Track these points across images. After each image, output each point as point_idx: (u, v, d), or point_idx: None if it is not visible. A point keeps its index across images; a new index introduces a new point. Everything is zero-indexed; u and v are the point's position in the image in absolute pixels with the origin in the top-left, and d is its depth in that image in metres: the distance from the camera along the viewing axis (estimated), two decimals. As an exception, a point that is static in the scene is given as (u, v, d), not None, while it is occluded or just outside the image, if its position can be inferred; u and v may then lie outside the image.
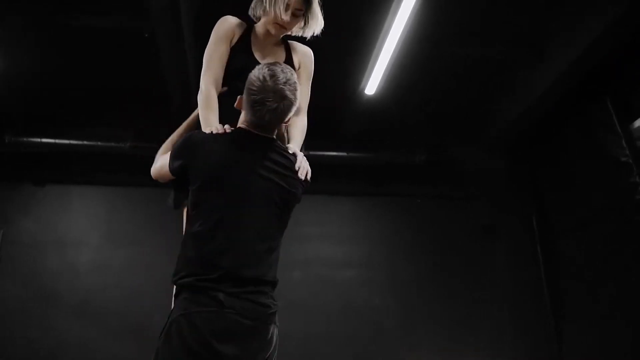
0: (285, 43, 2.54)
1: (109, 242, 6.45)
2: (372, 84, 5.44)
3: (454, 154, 6.82)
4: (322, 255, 6.70)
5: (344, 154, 6.45)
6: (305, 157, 2.25)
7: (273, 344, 2.04)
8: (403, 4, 4.27)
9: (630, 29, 4.75)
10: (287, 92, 2.09)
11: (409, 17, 4.41)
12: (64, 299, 6.10)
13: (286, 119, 2.18)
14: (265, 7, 2.36)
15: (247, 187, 2.10)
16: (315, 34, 2.46)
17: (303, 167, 2.20)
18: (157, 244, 6.33)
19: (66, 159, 6.44)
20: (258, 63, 2.30)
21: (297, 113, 2.26)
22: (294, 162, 2.21)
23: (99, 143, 6.22)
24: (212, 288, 1.96)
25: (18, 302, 6.06)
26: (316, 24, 2.44)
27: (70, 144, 6.15)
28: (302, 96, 2.30)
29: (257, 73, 2.11)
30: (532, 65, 5.62)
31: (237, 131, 2.21)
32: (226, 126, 2.20)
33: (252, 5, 2.47)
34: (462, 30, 5.23)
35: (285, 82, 2.10)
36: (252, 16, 2.50)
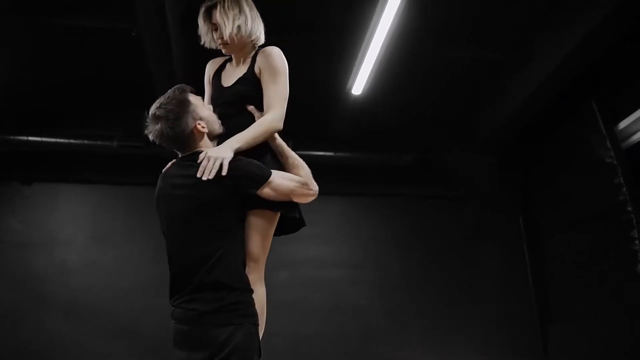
0: (255, 54, 2.54)
1: (97, 241, 6.42)
2: (359, 84, 5.46)
3: (442, 154, 6.86)
4: (311, 255, 6.71)
5: (332, 153, 6.45)
6: (215, 152, 2.20)
7: (219, 345, 2.02)
8: (388, 5, 4.29)
9: (615, 33, 4.82)
10: (158, 112, 2.25)
11: (395, 18, 4.44)
12: (51, 298, 6.06)
13: (177, 136, 2.26)
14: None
15: (169, 212, 2.27)
16: (245, 31, 2.46)
17: (202, 167, 2.15)
18: (146, 243, 6.31)
19: (53, 158, 6.40)
20: (223, 88, 2.57)
21: (266, 110, 2.38)
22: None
23: (86, 141, 6.18)
24: (172, 305, 2.20)
25: (5, 302, 6.01)
26: (227, 24, 2.45)
27: (57, 142, 6.11)
28: (270, 94, 2.38)
29: None
30: (519, 68, 5.66)
31: (173, 161, 2.40)
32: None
33: None
34: (449, 32, 5.26)
35: (158, 106, 2.27)
36: None
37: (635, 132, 5.35)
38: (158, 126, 2.26)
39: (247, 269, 2.24)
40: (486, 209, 7.18)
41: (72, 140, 6.13)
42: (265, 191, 2.20)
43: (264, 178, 2.20)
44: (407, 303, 6.72)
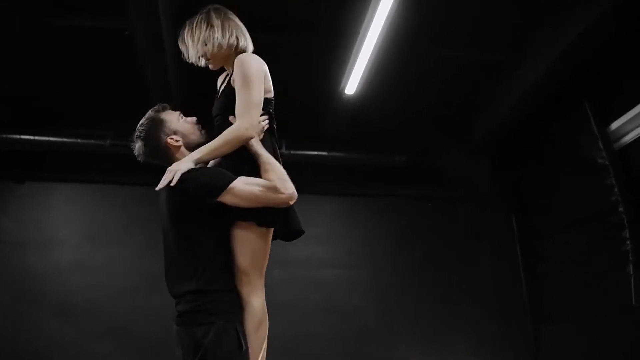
0: None
1: (91, 241, 6.40)
2: (352, 84, 5.46)
3: (436, 155, 6.88)
4: (306, 255, 6.69)
5: (325, 153, 6.45)
6: (175, 165, 2.31)
7: (197, 344, 2.13)
8: (382, 4, 4.30)
9: (607, 33, 4.83)
10: (136, 133, 2.49)
11: (388, 17, 4.44)
12: (44, 298, 6.04)
13: (153, 152, 2.46)
14: None
15: (161, 225, 2.39)
16: (213, 44, 2.49)
17: (162, 180, 2.28)
18: (139, 242, 6.31)
19: (47, 157, 6.38)
20: (216, 100, 2.65)
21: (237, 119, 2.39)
22: None
23: (79, 140, 6.16)
24: None
25: (-2, 300, 6.01)
26: (192, 43, 2.52)
27: (50, 141, 6.09)
28: (238, 103, 2.37)
29: None
30: (513, 69, 5.67)
31: None
32: None
33: None
34: (442, 32, 5.27)
35: (137, 127, 2.50)
36: None
37: (627, 133, 5.37)
38: (137, 145, 2.49)
39: (239, 281, 2.28)
40: (480, 210, 7.20)
41: (65, 139, 6.11)
42: (227, 198, 2.22)
43: (221, 186, 2.22)
44: (402, 303, 6.73)
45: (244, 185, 2.24)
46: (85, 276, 6.20)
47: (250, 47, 2.55)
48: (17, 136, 6.01)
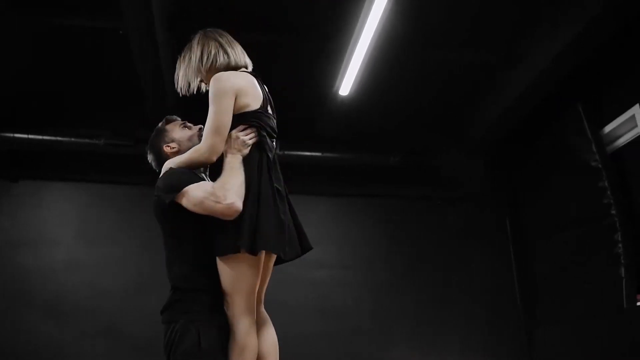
0: None
1: (83, 240, 6.38)
2: (346, 85, 5.47)
3: (430, 155, 6.89)
4: (299, 255, 6.69)
5: (319, 154, 6.46)
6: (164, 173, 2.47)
7: (165, 341, 2.26)
8: (376, 5, 4.31)
9: (601, 36, 4.85)
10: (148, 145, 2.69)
11: (382, 18, 4.45)
12: (36, 297, 6.02)
13: (157, 159, 2.63)
14: None
15: None
16: (190, 71, 2.58)
17: None
18: (132, 242, 6.30)
19: (40, 155, 6.38)
20: None
21: None
22: None
23: (74, 140, 6.16)
24: None
25: (-12, 300, 5.98)
26: (178, 74, 2.63)
27: (45, 140, 6.08)
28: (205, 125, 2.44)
29: None
30: (507, 70, 5.69)
31: None
32: None
33: None
34: (437, 33, 5.28)
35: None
36: None
37: (620, 136, 5.40)
38: (148, 156, 2.68)
39: (225, 303, 2.28)
40: (474, 210, 7.22)
41: (60, 138, 6.11)
42: (183, 201, 2.27)
43: (177, 187, 2.28)
44: (395, 303, 6.74)
45: (195, 190, 2.26)
46: (78, 275, 6.18)
47: (234, 62, 2.53)
48: (12, 135, 6.01)
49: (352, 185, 7.06)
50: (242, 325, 2.24)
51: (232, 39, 2.63)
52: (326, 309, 6.56)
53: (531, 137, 6.66)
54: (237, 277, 2.25)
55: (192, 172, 2.41)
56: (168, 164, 2.47)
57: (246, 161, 2.35)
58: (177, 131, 2.62)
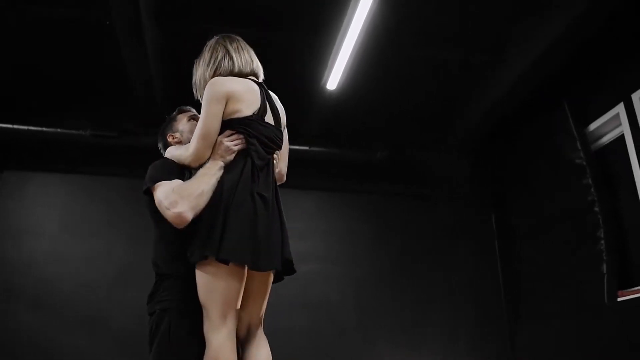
0: None
1: (67, 232, 6.33)
2: (334, 79, 5.46)
3: (416, 152, 6.92)
4: (285, 249, 6.68)
5: (307, 148, 6.46)
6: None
7: (148, 330, 2.34)
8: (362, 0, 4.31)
9: (587, 34, 4.88)
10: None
11: (369, 13, 4.45)
12: (19, 288, 5.97)
13: (164, 147, 2.70)
14: None
15: None
16: (198, 79, 2.61)
17: None
18: (117, 235, 6.27)
19: (25, 146, 6.31)
20: None
21: None
22: None
23: (59, 130, 6.10)
24: None
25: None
26: (195, 84, 2.64)
27: (29, 131, 6.01)
28: None
29: None
30: (493, 68, 5.71)
31: None
32: None
33: None
34: (422, 31, 5.29)
35: None
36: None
37: (605, 134, 5.45)
38: (158, 143, 2.76)
39: (203, 315, 2.24)
40: (459, 208, 7.25)
41: (45, 129, 6.04)
42: (155, 194, 2.32)
43: (154, 179, 2.36)
44: (380, 299, 6.76)
45: (161, 188, 2.30)
46: (62, 267, 6.14)
47: (237, 68, 2.52)
48: (-4, 125, 5.94)
49: (338, 180, 7.06)
50: (215, 339, 2.17)
51: (243, 45, 2.61)
52: (310, 304, 6.57)
53: (517, 135, 6.70)
54: (209, 286, 2.21)
55: (176, 167, 2.44)
56: (167, 153, 2.58)
57: (229, 168, 2.34)
58: (184, 123, 2.69)
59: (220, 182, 2.29)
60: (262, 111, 2.44)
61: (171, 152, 2.55)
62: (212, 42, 2.61)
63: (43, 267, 6.11)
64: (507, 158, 7.05)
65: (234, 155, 2.36)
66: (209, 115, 2.35)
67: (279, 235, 2.37)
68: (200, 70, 2.57)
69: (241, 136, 2.38)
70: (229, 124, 2.38)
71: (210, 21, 4.93)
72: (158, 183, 2.32)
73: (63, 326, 5.86)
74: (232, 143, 2.36)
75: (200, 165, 2.37)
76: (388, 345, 6.53)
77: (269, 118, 2.49)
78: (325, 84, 5.54)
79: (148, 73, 5.20)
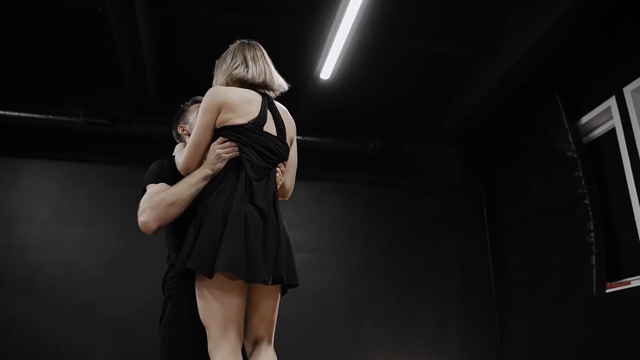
0: None
1: (58, 220, 6.30)
2: (327, 69, 5.45)
3: (409, 143, 6.93)
4: (276, 238, 6.69)
5: (299, 137, 6.44)
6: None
7: (161, 315, 2.39)
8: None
9: (580, 26, 4.89)
10: None
11: (363, 3, 4.45)
12: (9, 275, 5.95)
13: (176, 137, 2.77)
14: None
15: None
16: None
17: None
18: (108, 222, 6.24)
19: (16, 132, 6.26)
20: None
21: None
22: None
23: (51, 117, 6.05)
24: None
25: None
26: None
27: (20, 117, 5.96)
28: None
29: None
30: (486, 60, 5.72)
31: None
32: None
33: None
34: (416, 22, 5.29)
35: None
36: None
37: (597, 127, 5.48)
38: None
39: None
40: (450, 199, 7.28)
41: (36, 115, 5.99)
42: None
43: (147, 180, 2.45)
44: (370, 288, 6.80)
45: (147, 192, 2.40)
46: (53, 255, 6.11)
47: (245, 77, 2.50)
48: (-14, 111, 5.89)
49: (331, 170, 7.07)
50: (217, 357, 2.12)
51: (260, 54, 2.58)
52: (302, 293, 6.54)
53: (509, 127, 6.72)
54: (207, 304, 2.18)
55: (169, 171, 2.47)
56: (175, 149, 2.62)
57: (221, 178, 2.32)
58: (195, 115, 2.64)
59: (211, 192, 2.28)
60: (259, 120, 2.41)
61: (176, 155, 2.56)
62: (233, 46, 2.59)
63: (34, 253, 6.08)
64: (498, 150, 7.08)
65: (224, 163, 2.33)
66: (200, 126, 2.36)
67: (273, 250, 2.30)
68: (217, 75, 2.57)
69: (234, 144, 2.35)
70: (221, 132, 2.37)
71: (204, 9, 4.91)
72: (147, 185, 2.42)
73: (54, 313, 5.85)
74: (224, 150, 2.33)
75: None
76: (379, 334, 6.57)
77: (269, 128, 2.45)
78: (318, 73, 5.53)
79: (141, 60, 5.17)
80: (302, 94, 6.06)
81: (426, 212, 7.25)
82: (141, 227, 2.26)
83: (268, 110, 2.48)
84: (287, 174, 2.64)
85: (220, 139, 2.35)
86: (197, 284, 2.21)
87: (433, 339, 6.66)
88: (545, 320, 5.72)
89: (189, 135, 2.53)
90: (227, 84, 2.50)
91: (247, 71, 2.48)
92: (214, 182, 2.32)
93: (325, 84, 5.70)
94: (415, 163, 7.07)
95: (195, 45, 5.34)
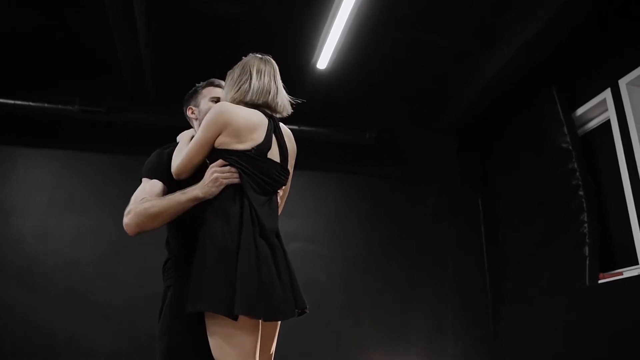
0: None
1: (54, 209, 6.30)
2: (324, 59, 5.44)
3: (405, 135, 6.93)
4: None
5: (296, 127, 6.43)
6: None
7: (163, 300, 2.36)
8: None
9: (576, 19, 4.90)
10: None
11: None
12: (5, 265, 5.96)
13: (186, 118, 2.71)
14: None
15: None
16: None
17: None
18: (104, 211, 6.24)
19: (11, 120, 6.24)
20: None
21: None
22: None
23: (46, 105, 6.03)
24: None
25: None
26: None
27: (15, 105, 5.94)
28: None
29: None
30: (482, 53, 5.73)
31: None
32: None
33: None
34: (412, 14, 5.27)
35: None
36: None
37: (592, 119, 5.50)
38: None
39: None
40: (446, 191, 7.30)
41: (31, 103, 5.97)
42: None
43: (143, 173, 2.43)
44: (366, 279, 6.83)
45: (140, 187, 2.37)
46: (50, 244, 6.11)
47: (248, 95, 2.42)
48: (-19, 99, 5.87)
49: (326, 160, 7.07)
50: None
51: (269, 70, 2.50)
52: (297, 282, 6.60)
53: (505, 120, 6.73)
54: (224, 341, 2.05)
55: (168, 162, 2.40)
56: (179, 137, 2.53)
57: (221, 203, 2.22)
58: (205, 101, 2.62)
59: (215, 218, 2.18)
60: (263, 147, 2.32)
61: (174, 154, 2.42)
62: (246, 59, 2.51)
63: (30, 243, 6.08)
64: (494, 142, 7.09)
65: (220, 189, 2.23)
66: (198, 141, 2.28)
67: (288, 281, 2.27)
68: (226, 87, 2.49)
69: (234, 170, 2.25)
70: (221, 154, 2.28)
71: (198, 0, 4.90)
72: (143, 178, 2.39)
73: (50, 302, 5.86)
74: (222, 175, 2.23)
75: (187, 180, 2.32)
76: (374, 325, 6.61)
77: (272, 154, 2.37)
78: (315, 63, 5.52)
79: (138, 49, 5.15)
80: (298, 84, 6.04)
81: (422, 203, 7.27)
82: (124, 228, 2.25)
83: (273, 134, 2.41)
84: (282, 199, 2.64)
85: (220, 161, 2.27)
86: (208, 321, 2.08)
87: (428, 330, 6.70)
88: (539, 312, 5.76)
89: (197, 120, 2.58)
90: (234, 100, 2.40)
91: (249, 90, 2.39)
92: (213, 205, 2.23)
93: (322, 74, 5.70)
94: (412, 155, 7.08)
95: (192, 34, 5.32)
